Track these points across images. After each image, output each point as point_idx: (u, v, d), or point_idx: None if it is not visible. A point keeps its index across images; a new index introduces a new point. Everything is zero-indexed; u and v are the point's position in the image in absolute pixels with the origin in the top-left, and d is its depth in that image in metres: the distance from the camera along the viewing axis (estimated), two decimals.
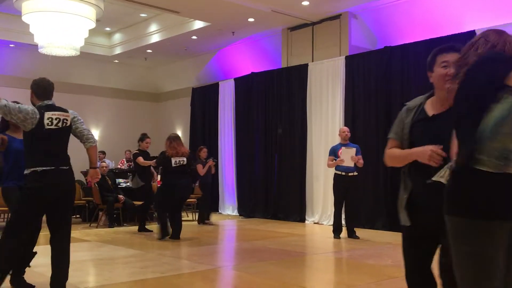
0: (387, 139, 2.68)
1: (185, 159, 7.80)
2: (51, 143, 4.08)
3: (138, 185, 8.92)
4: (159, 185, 8.35)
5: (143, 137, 9.05)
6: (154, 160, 8.42)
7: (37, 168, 3.97)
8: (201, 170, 9.73)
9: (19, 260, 4.37)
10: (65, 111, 4.27)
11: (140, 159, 8.67)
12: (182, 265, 6.01)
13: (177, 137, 8.15)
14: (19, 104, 4.06)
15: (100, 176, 4.71)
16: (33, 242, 4.51)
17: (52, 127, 4.08)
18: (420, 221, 2.46)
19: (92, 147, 4.32)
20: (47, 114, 4.08)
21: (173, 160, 7.68)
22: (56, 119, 4.12)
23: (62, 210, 4.14)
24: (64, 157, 4.17)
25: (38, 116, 4.03)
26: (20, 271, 4.50)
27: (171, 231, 7.73)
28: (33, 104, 4.22)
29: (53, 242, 4.13)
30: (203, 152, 10.05)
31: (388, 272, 5.39)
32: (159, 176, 8.96)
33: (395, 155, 2.58)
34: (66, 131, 4.20)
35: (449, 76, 2.46)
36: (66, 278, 4.12)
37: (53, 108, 4.19)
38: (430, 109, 2.60)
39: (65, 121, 4.18)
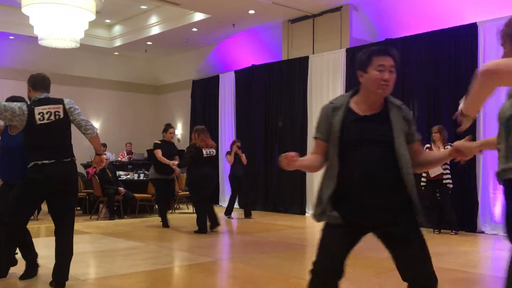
0: (314, 137, 2.58)
1: (214, 150, 7.88)
2: (48, 137, 4.04)
3: (152, 176, 8.60)
4: (188, 178, 8.05)
5: (167, 128, 8.63)
6: (176, 163, 8.12)
7: (38, 162, 3.98)
8: (229, 158, 9.63)
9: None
10: (58, 102, 4.16)
11: (158, 153, 8.28)
12: (183, 257, 6.03)
13: (205, 129, 8.05)
14: (4, 103, 4.03)
15: (104, 163, 4.66)
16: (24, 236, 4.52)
17: (45, 121, 4.03)
18: (352, 217, 2.45)
19: (93, 138, 4.28)
20: (37, 109, 4.03)
21: (204, 151, 7.67)
22: (47, 113, 4.05)
23: (65, 202, 4.16)
24: (65, 150, 4.15)
25: (26, 113, 3.99)
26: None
27: (210, 222, 7.75)
28: (30, 98, 4.19)
29: (57, 234, 4.16)
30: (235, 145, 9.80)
31: (388, 265, 5.38)
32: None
33: None
34: (62, 123, 4.13)
35: (385, 81, 2.44)
36: (68, 269, 4.14)
37: (44, 101, 4.11)
38: (357, 109, 2.51)
39: (57, 113, 4.09)
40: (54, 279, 4.12)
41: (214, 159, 7.91)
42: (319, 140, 2.53)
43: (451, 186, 7.77)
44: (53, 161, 4.00)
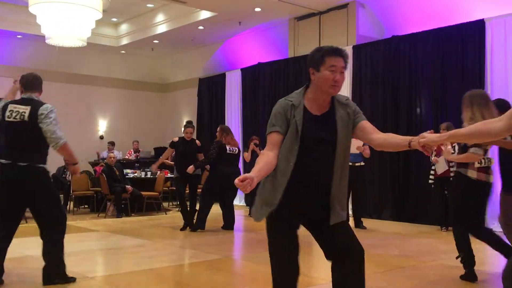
0: (270, 133, 2.55)
1: (237, 149, 7.87)
2: (11, 136, 4.05)
3: (173, 174, 8.65)
4: (209, 176, 7.98)
5: (185, 127, 8.37)
6: (191, 166, 7.75)
7: (1, 160, 4.02)
8: (246, 156, 9.47)
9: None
10: (29, 104, 4.06)
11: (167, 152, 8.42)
12: (189, 254, 6.05)
13: (229, 129, 8.08)
14: None
15: (78, 173, 4.55)
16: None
17: (11, 119, 4.03)
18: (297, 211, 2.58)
19: (59, 149, 4.09)
20: (10, 107, 4.06)
21: (227, 147, 7.69)
22: (16, 111, 4.02)
23: (33, 206, 4.14)
24: (25, 152, 4.00)
25: (1, 109, 4.07)
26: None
27: (224, 223, 7.79)
28: None
29: (41, 236, 4.21)
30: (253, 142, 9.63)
31: (395, 262, 5.39)
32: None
33: None
34: (27, 125, 4.00)
35: (336, 81, 2.48)
36: (55, 271, 4.15)
37: (21, 101, 4.10)
38: (310, 108, 2.56)
39: (23, 114, 4.01)
40: (43, 279, 4.16)
41: (236, 158, 7.89)
42: (276, 134, 2.53)
43: None
44: (9, 162, 3.98)
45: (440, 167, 7.61)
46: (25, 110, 4.03)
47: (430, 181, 7.83)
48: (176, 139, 8.29)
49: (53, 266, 4.18)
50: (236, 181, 2.23)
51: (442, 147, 7.55)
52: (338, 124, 2.52)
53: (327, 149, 2.50)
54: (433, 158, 7.67)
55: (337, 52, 2.50)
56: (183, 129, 8.47)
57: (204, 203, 7.72)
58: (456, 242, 4.59)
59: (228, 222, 7.83)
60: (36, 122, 4.00)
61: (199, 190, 8.45)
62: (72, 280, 4.29)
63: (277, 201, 2.50)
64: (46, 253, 4.20)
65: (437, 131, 8.51)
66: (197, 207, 7.87)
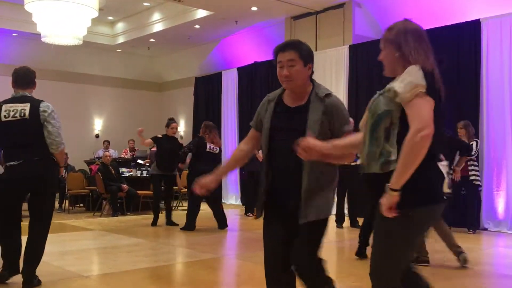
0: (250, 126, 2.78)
1: (218, 148, 7.77)
2: (14, 135, 3.97)
3: (151, 171, 8.74)
4: (189, 174, 7.88)
5: (169, 122, 8.54)
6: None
7: (7, 163, 3.96)
8: (260, 155, 9.44)
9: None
10: (28, 101, 4.02)
11: (144, 140, 8.60)
12: (185, 254, 6.04)
13: (214, 126, 7.94)
14: None
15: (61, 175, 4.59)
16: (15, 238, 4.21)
17: (10, 119, 3.95)
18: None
19: (56, 153, 4.07)
20: (5, 107, 3.98)
21: (208, 145, 7.59)
22: (13, 110, 3.96)
23: (36, 201, 4.07)
24: (34, 148, 3.97)
25: None
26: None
27: (217, 222, 7.71)
28: None
29: (28, 230, 4.08)
30: None
31: None
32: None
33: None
34: (28, 122, 3.96)
35: (282, 77, 2.51)
36: (31, 267, 4.01)
37: (15, 100, 4.04)
38: (287, 101, 2.61)
39: (22, 111, 3.96)
40: (22, 276, 4.01)
41: (217, 157, 7.79)
42: (252, 129, 2.75)
43: (478, 183, 7.55)
44: (20, 161, 3.93)
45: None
46: (25, 107, 3.98)
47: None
48: (160, 135, 8.39)
49: (33, 263, 4.03)
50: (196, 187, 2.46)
51: None
52: (309, 115, 2.46)
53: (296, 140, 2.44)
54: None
55: (281, 48, 2.53)
56: (166, 125, 8.50)
57: (191, 204, 7.67)
58: None
59: (220, 221, 7.75)
60: (38, 120, 3.96)
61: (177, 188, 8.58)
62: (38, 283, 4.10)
63: (262, 194, 2.59)
64: (32, 248, 4.05)
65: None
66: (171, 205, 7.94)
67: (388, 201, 2.03)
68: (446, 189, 2.24)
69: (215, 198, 7.81)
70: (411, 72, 2.10)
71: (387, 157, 2.10)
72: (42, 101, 4.09)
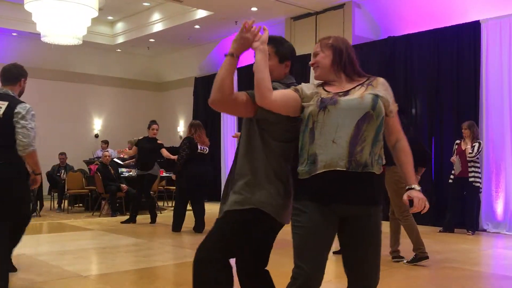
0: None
1: (207, 148, 7.60)
2: None
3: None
4: (180, 174, 7.56)
5: (150, 124, 8.68)
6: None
7: None
8: None
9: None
10: (7, 100, 3.84)
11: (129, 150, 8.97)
12: (185, 253, 6.04)
13: (201, 125, 7.74)
14: None
15: (39, 183, 4.23)
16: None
17: None
18: None
19: (24, 156, 3.83)
20: None
21: (198, 146, 7.42)
22: None
23: (9, 205, 3.79)
24: (4, 150, 3.77)
25: None
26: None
27: (196, 224, 7.54)
28: None
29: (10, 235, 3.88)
30: None
31: (390, 262, 5.40)
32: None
33: None
34: (1, 121, 3.77)
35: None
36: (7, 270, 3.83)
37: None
38: None
39: None
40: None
41: (206, 157, 7.68)
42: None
43: (478, 185, 7.51)
44: None
45: (457, 167, 7.55)
46: (2, 105, 3.82)
47: (450, 181, 7.76)
48: (140, 137, 8.75)
49: (6, 266, 3.85)
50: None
51: (463, 146, 7.55)
52: None
53: None
54: (452, 158, 7.64)
55: None
56: (148, 127, 8.66)
57: (178, 205, 7.60)
58: None
59: (198, 225, 7.49)
60: (11, 120, 3.78)
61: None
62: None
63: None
64: (9, 254, 3.93)
65: (431, 130, 8.53)
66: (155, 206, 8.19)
67: (421, 195, 2.25)
68: None
69: (198, 199, 7.58)
70: (387, 87, 2.31)
71: (381, 161, 2.21)
72: (23, 102, 3.90)
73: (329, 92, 2.25)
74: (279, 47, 2.48)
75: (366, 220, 2.20)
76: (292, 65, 2.55)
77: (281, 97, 2.23)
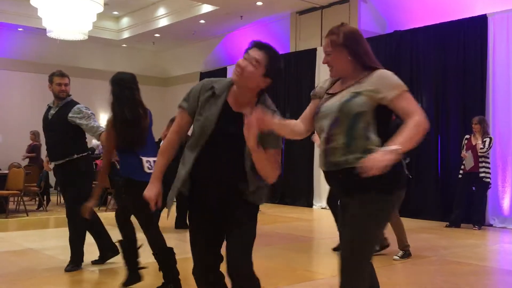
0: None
1: None
2: None
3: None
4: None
5: None
6: None
7: None
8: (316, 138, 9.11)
9: None
10: None
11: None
12: (189, 248, 6.04)
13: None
14: None
15: None
16: None
17: None
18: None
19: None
20: None
21: None
22: None
23: None
24: None
25: None
26: None
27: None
28: None
29: None
30: None
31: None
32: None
33: None
34: None
35: (237, 67, 2.32)
36: None
37: None
38: (231, 101, 2.37)
39: None
40: None
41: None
42: (184, 111, 2.43)
43: (488, 180, 7.46)
44: None
45: (468, 162, 7.52)
46: None
47: (459, 176, 7.73)
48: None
49: None
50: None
51: (473, 141, 7.52)
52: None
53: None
54: (463, 153, 7.61)
55: (259, 46, 2.35)
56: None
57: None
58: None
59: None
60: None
61: None
62: None
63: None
64: None
65: (436, 126, 8.49)
66: None
67: (384, 157, 1.97)
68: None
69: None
70: (387, 75, 2.23)
71: (369, 152, 2.10)
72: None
73: (328, 94, 2.38)
74: (272, 63, 2.33)
75: (352, 207, 2.23)
76: (270, 86, 2.38)
77: (308, 120, 2.47)
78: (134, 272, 3.98)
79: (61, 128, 4.45)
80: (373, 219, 2.20)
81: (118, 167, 9.92)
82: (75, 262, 4.53)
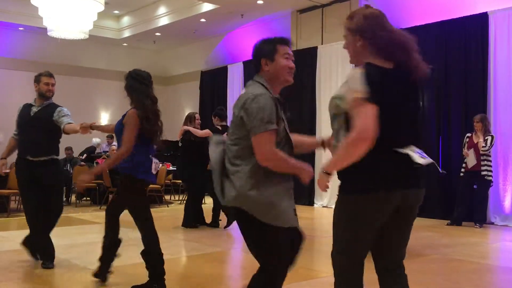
0: (270, 130, 2.39)
1: None
2: None
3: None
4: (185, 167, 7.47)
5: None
6: None
7: None
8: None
9: None
10: None
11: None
12: (192, 247, 6.06)
13: (193, 117, 7.72)
14: None
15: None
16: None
17: None
18: None
19: None
20: None
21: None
22: None
23: None
24: None
25: None
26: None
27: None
28: None
29: None
30: None
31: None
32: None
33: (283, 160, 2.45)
34: None
35: (291, 69, 2.52)
36: None
37: None
38: None
39: None
40: None
41: None
42: (275, 132, 2.42)
43: (490, 178, 7.46)
44: None
45: (471, 160, 7.51)
46: None
47: (461, 174, 7.73)
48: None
49: None
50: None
51: (475, 139, 7.51)
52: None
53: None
54: (464, 151, 7.59)
55: (287, 41, 2.56)
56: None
57: (190, 199, 7.63)
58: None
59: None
60: None
61: None
62: None
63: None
64: None
65: (438, 124, 8.47)
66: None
67: (320, 180, 2.22)
68: (418, 159, 2.24)
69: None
70: (351, 76, 2.12)
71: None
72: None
73: None
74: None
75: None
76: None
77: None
78: (102, 274, 4.01)
79: (45, 126, 4.61)
80: (337, 218, 2.29)
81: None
82: (51, 258, 4.62)
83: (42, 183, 4.57)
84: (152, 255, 3.89)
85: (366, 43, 2.19)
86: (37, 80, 4.72)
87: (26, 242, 4.68)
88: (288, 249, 2.54)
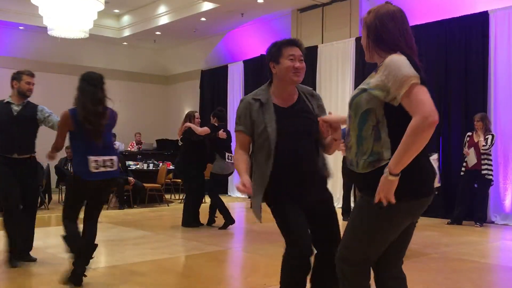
0: (236, 130, 2.70)
1: None
2: None
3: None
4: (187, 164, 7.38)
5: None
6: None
7: None
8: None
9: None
10: None
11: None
12: (192, 246, 6.06)
13: (193, 115, 7.72)
14: None
15: None
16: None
17: None
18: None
19: None
20: None
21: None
22: None
23: None
24: None
25: None
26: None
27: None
28: None
29: None
30: None
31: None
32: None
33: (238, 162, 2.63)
34: None
35: (296, 69, 2.61)
36: None
37: None
38: (278, 102, 2.67)
39: None
40: None
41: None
42: (241, 132, 2.66)
43: (490, 177, 7.45)
44: None
45: (471, 160, 7.50)
46: None
47: (461, 173, 7.72)
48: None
49: None
50: (241, 188, 2.42)
51: (475, 138, 7.51)
52: (313, 112, 2.68)
53: (305, 138, 2.60)
54: (465, 150, 7.59)
55: (293, 42, 2.65)
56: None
57: (189, 198, 7.56)
58: None
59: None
60: None
61: None
62: None
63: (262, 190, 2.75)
64: None
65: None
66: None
67: (385, 187, 1.95)
68: (436, 183, 2.24)
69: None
70: (393, 64, 2.00)
71: (376, 157, 2.05)
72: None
73: None
74: (304, 54, 2.77)
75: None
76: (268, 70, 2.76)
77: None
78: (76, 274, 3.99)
79: (30, 125, 4.72)
80: (360, 222, 2.20)
81: (120, 165, 9.96)
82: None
83: (23, 179, 4.66)
84: (92, 246, 4.15)
85: (370, 40, 2.20)
86: (17, 77, 4.74)
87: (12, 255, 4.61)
88: None
